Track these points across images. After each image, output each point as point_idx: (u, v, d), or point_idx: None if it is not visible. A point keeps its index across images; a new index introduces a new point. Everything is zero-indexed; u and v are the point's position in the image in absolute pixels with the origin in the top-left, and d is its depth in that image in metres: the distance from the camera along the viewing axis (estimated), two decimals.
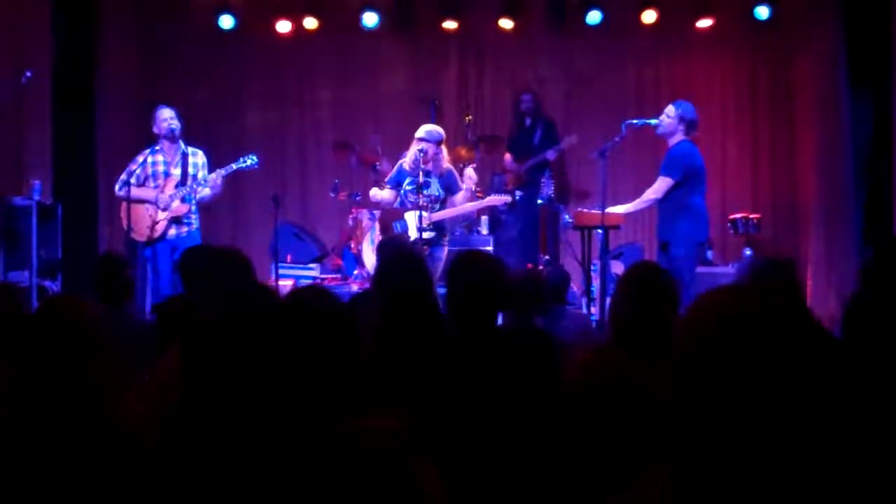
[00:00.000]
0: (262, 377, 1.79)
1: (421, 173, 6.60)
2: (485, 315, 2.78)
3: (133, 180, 6.49)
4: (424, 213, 6.58)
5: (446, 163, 6.81)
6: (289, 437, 1.72)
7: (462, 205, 6.81)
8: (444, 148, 6.80)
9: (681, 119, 6.33)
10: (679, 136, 6.33)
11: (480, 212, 8.12)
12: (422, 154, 6.60)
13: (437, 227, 6.73)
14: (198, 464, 1.78)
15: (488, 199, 7.07)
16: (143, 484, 1.90)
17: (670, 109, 6.38)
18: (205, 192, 6.67)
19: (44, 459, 1.98)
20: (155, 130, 6.69)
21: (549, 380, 2.55)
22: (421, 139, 6.66)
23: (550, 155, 8.49)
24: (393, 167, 8.44)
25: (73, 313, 2.23)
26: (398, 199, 6.83)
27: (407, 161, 6.77)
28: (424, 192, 6.63)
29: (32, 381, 2.14)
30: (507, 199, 7.25)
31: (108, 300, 3.75)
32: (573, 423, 2.56)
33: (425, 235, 6.55)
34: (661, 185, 6.26)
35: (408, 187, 6.73)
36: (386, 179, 7.00)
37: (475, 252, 3.25)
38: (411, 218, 6.66)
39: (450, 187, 6.74)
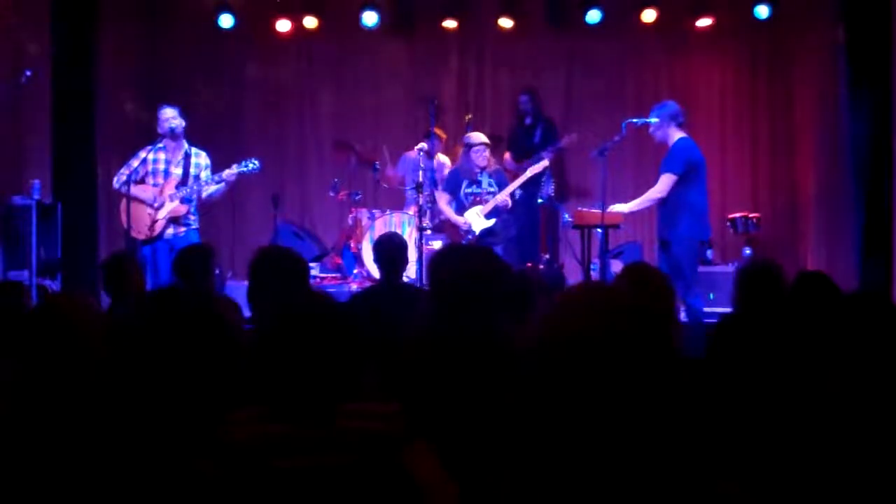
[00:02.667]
0: (260, 366, 1.79)
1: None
2: (472, 313, 2.71)
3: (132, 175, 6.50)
4: (480, 207, 7.35)
5: (494, 163, 7.60)
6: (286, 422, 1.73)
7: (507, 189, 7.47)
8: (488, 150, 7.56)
9: (670, 118, 6.34)
10: (677, 134, 6.34)
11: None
12: (477, 155, 7.40)
13: (496, 225, 7.41)
14: (192, 457, 1.79)
15: (529, 170, 7.58)
16: (140, 482, 1.90)
17: (654, 118, 6.39)
18: (213, 188, 6.68)
19: (43, 457, 1.98)
20: (158, 129, 6.70)
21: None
22: (472, 144, 7.43)
23: (546, 156, 8.49)
24: (396, 169, 8.53)
25: (72, 312, 2.24)
26: (455, 202, 7.49)
27: (460, 166, 7.55)
28: (479, 188, 7.41)
29: (31, 379, 2.15)
30: (546, 163, 7.70)
31: (118, 299, 3.73)
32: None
33: (486, 224, 7.32)
34: (666, 181, 6.25)
35: (466, 190, 7.43)
36: (441, 187, 7.71)
37: (457, 246, 3.23)
38: (471, 215, 7.36)
39: (500, 183, 7.47)
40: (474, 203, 7.36)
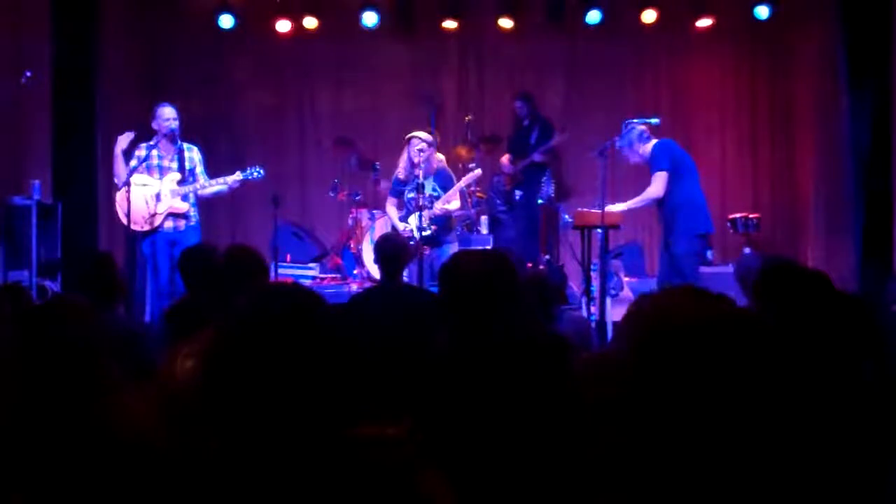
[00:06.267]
0: (270, 383, 1.78)
1: (401, 173, 6.88)
2: (481, 319, 2.61)
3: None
4: (424, 213, 6.84)
5: (437, 163, 7.11)
6: (294, 445, 1.71)
7: (452, 198, 7.05)
8: (433, 150, 7.11)
9: (639, 136, 6.36)
10: (651, 142, 6.37)
11: (480, 211, 8.14)
12: (420, 153, 6.94)
13: (441, 225, 6.97)
14: (200, 469, 1.78)
15: (463, 179, 7.22)
16: (141, 485, 1.90)
17: (624, 141, 6.39)
18: (215, 188, 6.67)
19: (42, 459, 1.98)
20: (154, 126, 6.65)
21: (558, 389, 2.45)
22: (409, 138, 7.04)
23: (536, 157, 8.51)
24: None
25: (71, 314, 2.24)
26: (404, 208, 7.13)
27: (399, 170, 7.12)
28: (421, 192, 6.89)
29: (30, 382, 2.15)
30: (479, 172, 7.46)
31: (98, 302, 3.70)
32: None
33: (425, 232, 6.82)
34: (659, 181, 6.26)
35: (409, 194, 7.07)
36: (389, 192, 7.34)
37: (471, 251, 3.19)
38: (413, 221, 6.97)
39: (444, 186, 7.03)
40: (416, 208, 6.95)
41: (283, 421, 1.70)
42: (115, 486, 1.80)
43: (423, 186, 6.89)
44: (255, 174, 6.71)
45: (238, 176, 6.67)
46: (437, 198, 7.00)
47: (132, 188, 6.33)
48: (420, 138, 6.99)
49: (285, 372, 1.72)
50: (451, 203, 7.04)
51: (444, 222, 7.05)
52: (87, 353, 2.15)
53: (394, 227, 7.17)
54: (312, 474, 1.65)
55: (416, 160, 6.91)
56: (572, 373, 2.42)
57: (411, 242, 6.86)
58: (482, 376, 2.43)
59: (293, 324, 1.79)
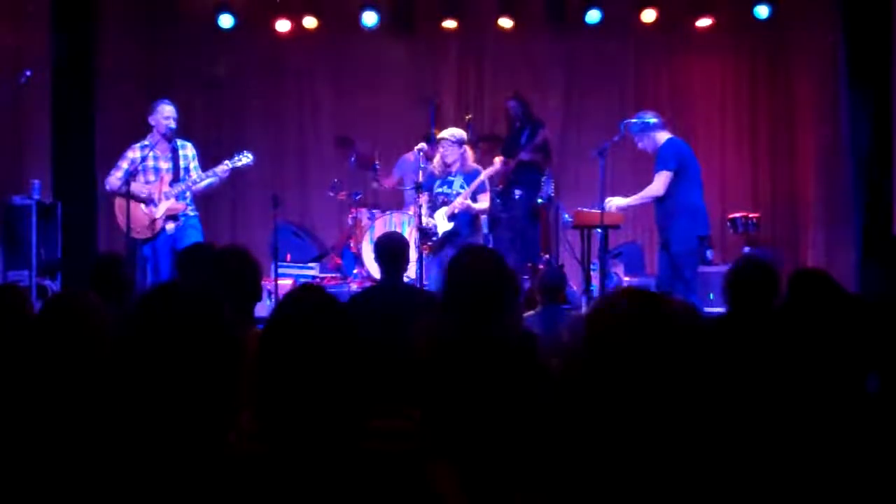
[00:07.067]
0: (274, 377, 1.78)
1: (419, 172, 6.90)
2: (479, 314, 2.69)
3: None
4: (446, 209, 6.94)
5: (471, 162, 7.17)
6: (304, 437, 1.72)
7: (477, 198, 7.06)
8: (467, 148, 7.16)
9: (654, 125, 6.34)
10: (664, 136, 6.36)
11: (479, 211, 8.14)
12: (444, 150, 7.03)
13: (464, 223, 7.01)
14: (207, 463, 1.78)
15: (483, 173, 7.17)
16: (146, 482, 1.90)
17: (637, 125, 6.37)
18: (206, 181, 6.64)
19: (50, 456, 1.99)
20: (151, 122, 6.60)
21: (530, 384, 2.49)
22: (441, 138, 7.11)
23: (524, 156, 8.51)
24: (392, 174, 8.50)
25: (79, 310, 2.25)
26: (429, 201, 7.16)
27: (434, 165, 7.17)
28: (449, 189, 6.99)
29: (39, 377, 2.16)
30: (499, 167, 7.41)
31: (106, 299, 3.73)
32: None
33: (447, 227, 6.91)
34: (661, 179, 6.25)
35: (437, 189, 7.08)
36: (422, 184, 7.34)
37: (470, 248, 3.20)
38: (439, 216, 7.04)
39: (476, 186, 7.08)
40: (443, 203, 7.04)
41: (304, 414, 1.71)
42: (114, 480, 1.80)
43: (420, 186, 6.96)
44: (244, 160, 6.67)
45: (226, 165, 6.62)
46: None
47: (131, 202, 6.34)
48: (450, 137, 7.07)
49: (309, 369, 1.73)
50: (480, 203, 7.06)
51: (467, 220, 7.05)
52: (95, 348, 2.16)
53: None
54: (330, 465, 1.66)
55: (448, 160, 7.00)
56: (541, 369, 2.48)
57: (434, 238, 6.92)
58: (478, 372, 2.46)
59: (319, 323, 1.80)
